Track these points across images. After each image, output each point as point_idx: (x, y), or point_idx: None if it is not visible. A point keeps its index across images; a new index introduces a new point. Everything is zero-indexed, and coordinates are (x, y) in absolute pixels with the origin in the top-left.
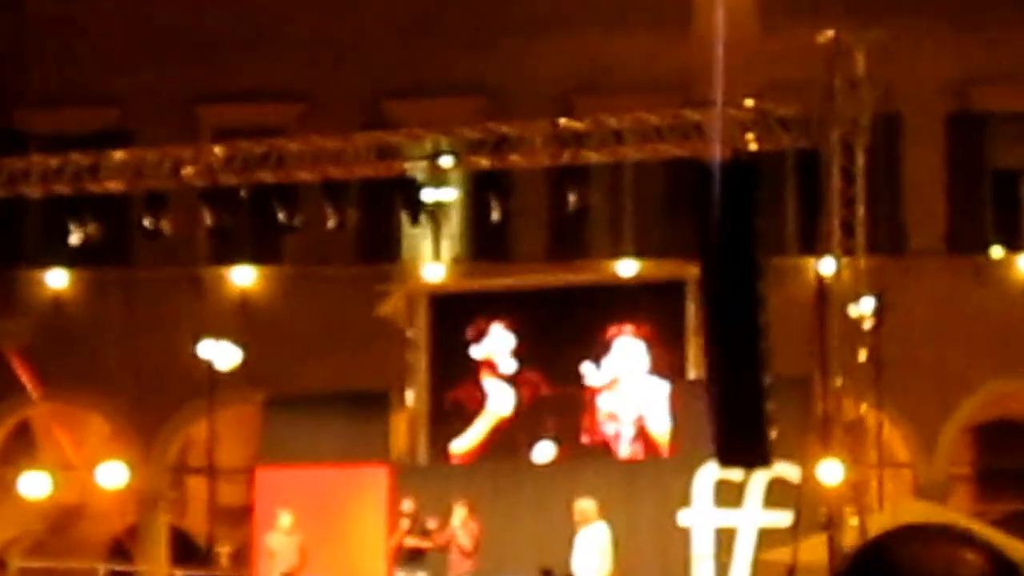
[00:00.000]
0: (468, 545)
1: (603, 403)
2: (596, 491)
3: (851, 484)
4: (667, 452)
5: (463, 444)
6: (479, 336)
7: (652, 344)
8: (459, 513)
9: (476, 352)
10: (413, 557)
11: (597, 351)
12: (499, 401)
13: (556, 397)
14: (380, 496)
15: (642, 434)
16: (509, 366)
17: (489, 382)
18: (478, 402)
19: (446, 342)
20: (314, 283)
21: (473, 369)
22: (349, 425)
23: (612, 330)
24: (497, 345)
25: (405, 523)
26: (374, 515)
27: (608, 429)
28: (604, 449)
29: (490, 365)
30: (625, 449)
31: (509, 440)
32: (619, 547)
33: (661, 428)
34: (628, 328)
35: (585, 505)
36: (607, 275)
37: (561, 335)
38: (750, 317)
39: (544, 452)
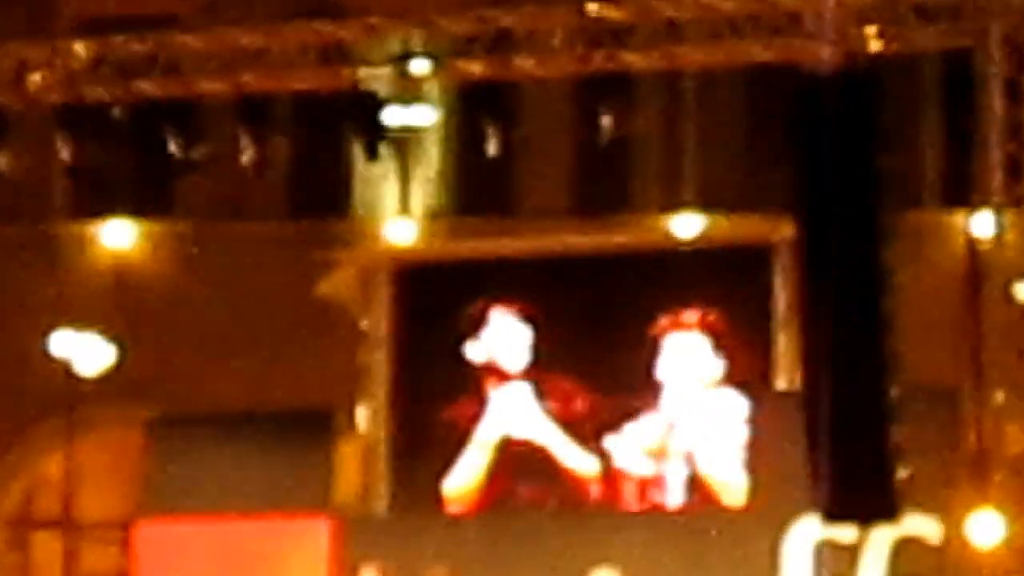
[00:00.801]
0: None
1: (643, 430)
2: (629, 559)
3: (1017, 546)
4: (741, 502)
5: (457, 484)
6: (475, 327)
7: (722, 340)
8: None
9: (473, 351)
10: None
11: (640, 351)
12: (512, 421)
13: (603, 411)
14: (318, 562)
15: (699, 477)
16: (521, 367)
17: (497, 394)
18: (473, 424)
19: (421, 336)
20: (223, 248)
21: (468, 377)
22: (274, 458)
23: (663, 320)
24: (503, 339)
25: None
26: None
27: (645, 468)
28: (640, 500)
29: (494, 371)
30: (675, 498)
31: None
32: None
33: (731, 468)
34: (687, 316)
35: None
36: (657, 237)
37: (588, 327)
38: (869, 300)
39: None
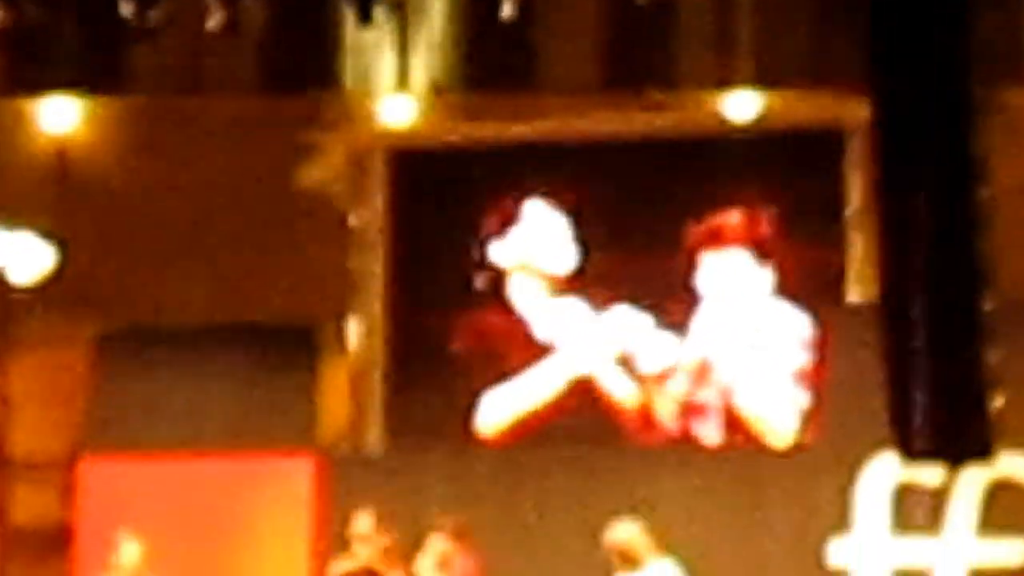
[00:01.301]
0: None
1: (682, 349)
2: (662, 506)
3: None
4: (788, 441)
5: (487, 419)
6: (503, 224)
7: (779, 244)
8: (434, 547)
9: (502, 253)
10: None
11: (682, 259)
12: (563, 335)
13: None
14: (299, 508)
15: (739, 410)
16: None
17: (532, 301)
18: (510, 341)
19: (423, 234)
20: (184, 129)
21: (487, 284)
22: (246, 383)
23: (713, 220)
24: (541, 234)
25: (363, 551)
26: (289, 539)
27: (682, 390)
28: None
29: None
30: (714, 434)
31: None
32: None
33: (783, 399)
34: (736, 217)
35: (626, 534)
36: (706, 120)
37: (620, 226)
38: (960, 195)
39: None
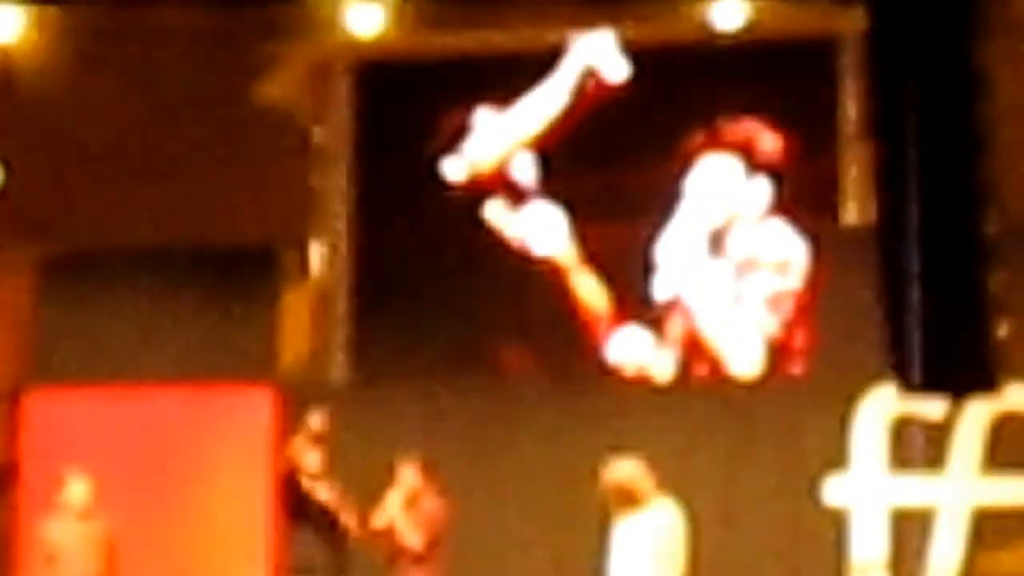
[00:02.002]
0: (417, 543)
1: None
2: (655, 440)
3: None
4: (797, 368)
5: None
6: (455, 135)
7: (771, 160)
8: (405, 479)
9: (451, 167)
10: (320, 529)
11: (666, 175)
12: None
13: (620, 243)
14: (258, 441)
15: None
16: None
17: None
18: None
19: (391, 152)
20: (135, 41)
21: (456, 202)
22: (202, 310)
23: (696, 138)
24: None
25: (314, 458)
26: (247, 474)
27: (673, 327)
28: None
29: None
30: (668, 363)
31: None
32: (701, 544)
33: (783, 325)
34: (726, 132)
35: (625, 472)
36: (691, 30)
37: (599, 143)
38: (961, 111)
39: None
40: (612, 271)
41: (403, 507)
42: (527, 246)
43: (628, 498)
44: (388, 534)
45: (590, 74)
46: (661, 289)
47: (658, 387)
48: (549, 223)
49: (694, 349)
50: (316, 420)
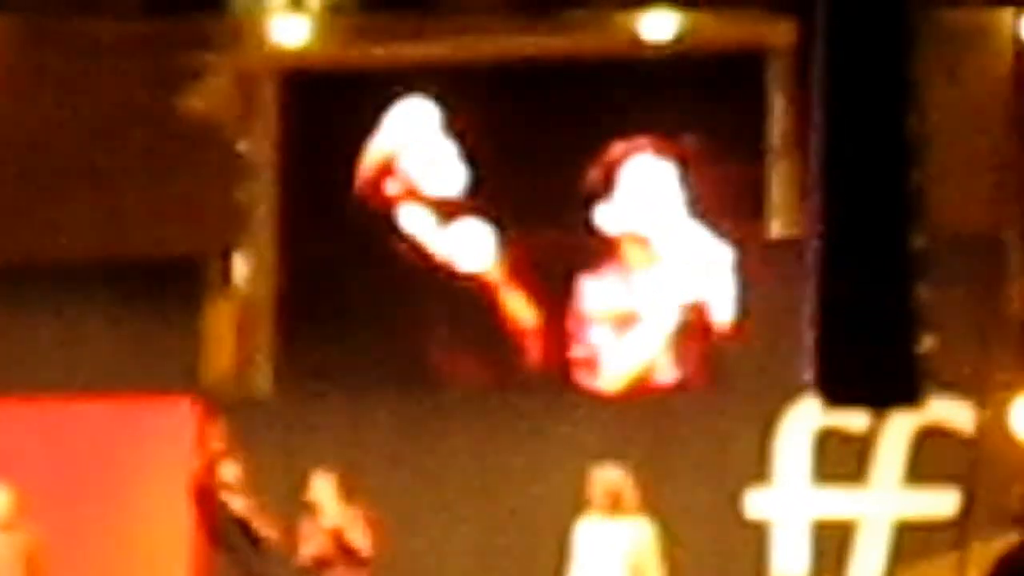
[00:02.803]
0: (365, 545)
1: (590, 290)
2: (579, 451)
3: None
4: (720, 380)
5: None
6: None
7: (698, 171)
8: (321, 487)
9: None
10: (239, 541)
11: (594, 182)
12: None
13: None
14: (181, 453)
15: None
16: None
17: (414, 215)
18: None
19: (316, 163)
20: (61, 52)
21: (380, 214)
22: (125, 321)
23: (621, 145)
24: (425, 161)
25: (230, 471)
26: (171, 485)
27: (595, 336)
28: (586, 373)
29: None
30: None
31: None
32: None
33: (707, 336)
34: (653, 141)
35: (612, 480)
36: (621, 41)
37: (527, 153)
38: (891, 123)
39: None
40: (539, 279)
41: (313, 514)
42: (454, 261)
43: (613, 505)
44: (336, 536)
45: None
46: (588, 296)
47: (584, 398)
48: (476, 239)
49: (619, 358)
50: (234, 432)
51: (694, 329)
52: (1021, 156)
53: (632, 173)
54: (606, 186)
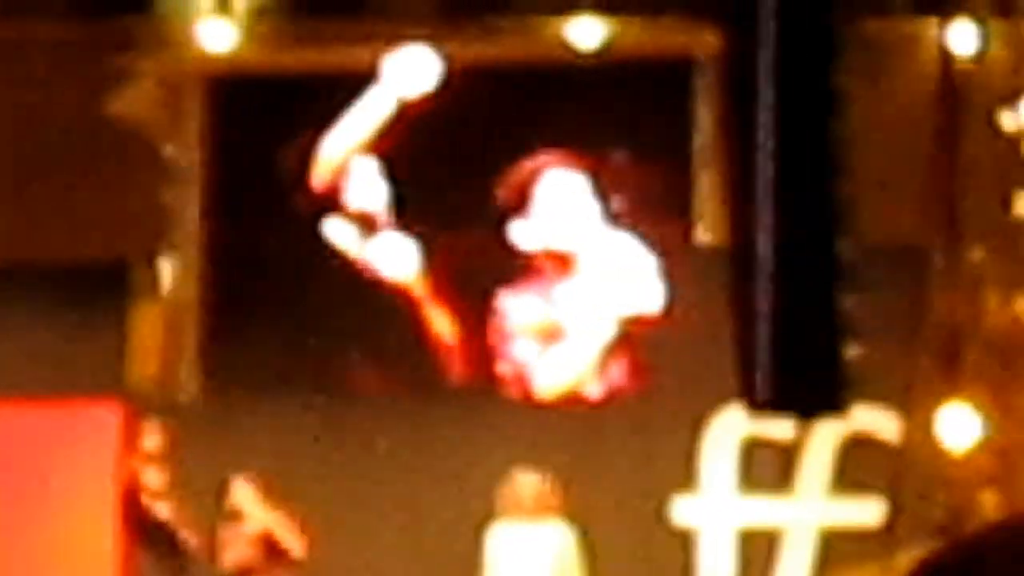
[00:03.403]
0: (298, 547)
1: (513, 302)
2: (501, 460)
3: (995, 449)
4: (645, 387)
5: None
6: (302, 162)
7: (623, 179)
8: (243, 493)
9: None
10: (162, 548)
11: (507, 199)
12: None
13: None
14: (105, 459)
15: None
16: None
17: (337, 226)
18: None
19: (243, 168)
20: None
21: (304, 221)
22: (49, 326)
23: (542, 156)
24: (354, 177)
25: (156, 476)
26: (95, 491)
27: (520, 350)
28: (513, 383)
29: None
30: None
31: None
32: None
33: (631, 343)
34: (577, 151)
35: (529, 486)
36: (547, 48)
37: (452, 161)
38: (816, 132)
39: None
40: (461, 292)
41: (231, 519)
42: (377, 272)
43: (533, 510)
44: (263, 540)
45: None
46: (511, 310)
47: (506, 406)
48: (399, 252)
49: (547, 372)
50: (156, 437)
51: (620, 338)
52: (947, 166)
53: (545, 189)
54: (520, 203)
